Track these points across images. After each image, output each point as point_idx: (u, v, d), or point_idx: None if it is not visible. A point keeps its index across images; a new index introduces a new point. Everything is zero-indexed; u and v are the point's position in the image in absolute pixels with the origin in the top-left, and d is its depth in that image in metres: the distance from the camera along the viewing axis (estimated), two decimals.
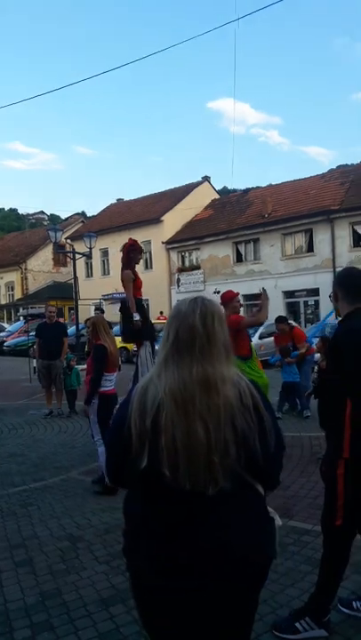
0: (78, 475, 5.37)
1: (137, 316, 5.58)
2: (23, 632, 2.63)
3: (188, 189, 31.46)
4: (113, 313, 27.42)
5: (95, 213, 40.30)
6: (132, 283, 5.71)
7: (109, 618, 2.72)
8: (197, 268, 27.69)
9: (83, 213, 49.31)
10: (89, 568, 3.30)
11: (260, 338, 15.00)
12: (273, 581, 2.92)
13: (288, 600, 2.76)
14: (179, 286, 28.11)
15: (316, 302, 22.90)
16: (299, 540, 3.50)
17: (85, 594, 2.98)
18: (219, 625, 1.44)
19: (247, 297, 24.86)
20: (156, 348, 4.60)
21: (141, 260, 31.52)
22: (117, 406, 1.52)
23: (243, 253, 26.33)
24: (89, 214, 48.41)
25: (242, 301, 20.82)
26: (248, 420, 1.39)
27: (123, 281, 5.73)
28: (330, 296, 2.80)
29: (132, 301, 5.66)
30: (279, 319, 8.80)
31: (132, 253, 5.84)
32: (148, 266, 30.06)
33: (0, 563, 3.43)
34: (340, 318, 2.64)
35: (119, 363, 5.61)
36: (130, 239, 6.02)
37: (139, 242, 6.18)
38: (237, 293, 5.91)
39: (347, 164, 33.18)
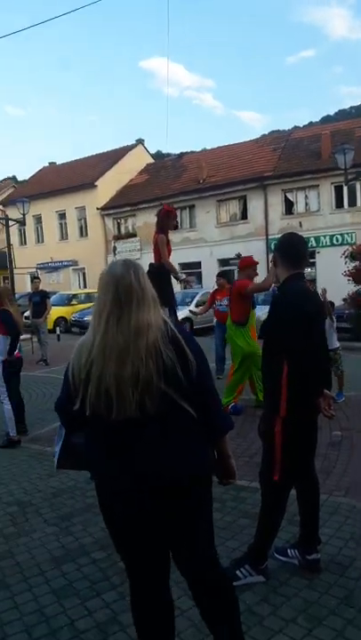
0: (23, 442, 5.41)
1: (183, 275, 5.86)
2: None
3: (122, 153, 30.63)
4: (48, 282, 26.75)
5: (27, 177, 38.46)
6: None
7: (62, 575, 2.86)
8: (134, 235, 27.35)
9: (14, 178, 46.86)
10: (39, 530, 3.42)
11: (197, 306, 15.27)
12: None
13: (229, 552, 2.95)
14: (115, 254, 27.73)
15: None
16: (237, 497, 3.72)
17: (37, 554, 3.11)
18: (173, 538, 1.80)
19: (183, 265, 25.05)
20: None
21: (76, 228, 30.60)
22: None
23: (178, 220, 26.27)
24: (20, 178, 46.17)
25: (180, 270, 20.96)
26: (170, 355, 1.66)
27: (157, 245, 5.79)
28: (271, 261, 2.94)
29: (171, 264, 5.82)
30: (219, 274, 9.29)
31: (167, 219, 5.97)
32: (83, 233, 29.38)
33: None
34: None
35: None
36: (165, 205, 6.27)
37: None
38: (257, 262, 6.08)
39: (279, 130, 33.55)
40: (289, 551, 2.86)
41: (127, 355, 1.61)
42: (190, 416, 1.74)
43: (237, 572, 2.66)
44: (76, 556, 3.06)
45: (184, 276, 5.96)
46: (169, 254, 6.02)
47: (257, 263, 6.24)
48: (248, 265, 6.15)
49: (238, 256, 6.37)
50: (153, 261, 5.82)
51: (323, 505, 3.44)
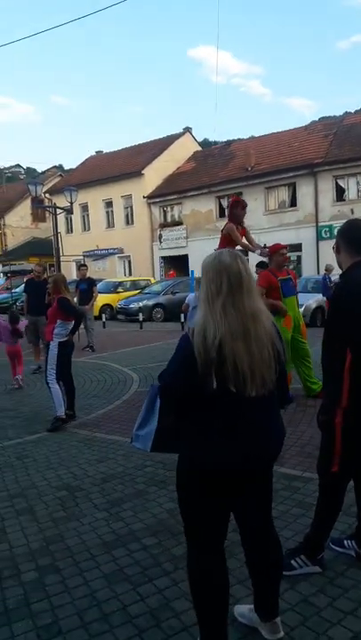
0: (71, 427, 5.47)
1: (258, 250, 6.49)
2: (30, 574, 2.74)
3: (169, 141, 30.57)
4: (94, 269, 27.12)
5: (73, 166, 39.06)
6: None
7: (112, 560, 2.84)
8: (180, 223, 27.30)
9: (60, 167, 47.75)
10: (88, 515, 3.41)
11: None
12: None
13: (283, 541, 2.84)
14: (161, 242, 27.82)
15: (299, 257, 22.95)
16: (289, 486, 3.63)
17: (87, 539, 3.09)
18: (258, 498, 2.04)
19: None
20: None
21: (122, 216, 30.82)
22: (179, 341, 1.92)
23: (225, 208, 26.02)
24: (66, 167, 46.94)
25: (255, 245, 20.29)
26: (280, 342, 1.90)
27: (229, 232, 6.41)
28: (333, 248, 2.79)
29: (245, 243, 6.52)
30: (258, 264, 9.13)
31: (235, 210, 6.57)
32: (129, 221, 29.57)
33: (2, 511, 3.53)
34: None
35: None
36: (233, 197, 7.18)
37: (240, 199, 7.08)
38: (284, 246, 6.23)
39: (329, 117, 32.52)
40: (346, 542, 2.76)
41: (250, 337, 1.78)
42: (275, 396, 1.94)
43: (292, 561, 2.59)
44: (126, 541, 3.03)
45: (259, 251, 6.48)
46: (243, 235, 6.52)
47: (285, 247, 6.19)
48: (276, 250, 6.07)
49: (264, 246, 6.47)
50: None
51: None
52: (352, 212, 20.92)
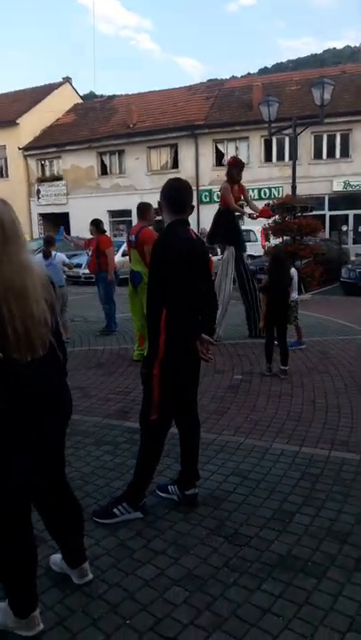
0: None
1: (246, 211, 7.15)
2: None
3: (47, 90, 28.57)
4: None
5: None
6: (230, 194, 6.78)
7: None
8: (59, 178, 26.06)
9: None
10: None
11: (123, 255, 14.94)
12: (100, 477, 3.18)
13: (112, 492, 2.97)
14: (39, 198, 26.43)
15: None
16: (131, 439, 3.69)
17: None
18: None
19: (113, 213, 24.42)
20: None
21: None
22: None
23: (108, 165, 25.37)
24: None
25: (108, 218, 20.40)
26: (51, 294, 1.77)
27: (223, 192, 6.83)
28: (157, 204, 2.90)
29: (235, 206, 6.91)
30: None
31: (233, 170, 6.92)
32: (2, 174, 27.56)
33: None
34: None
35: None
36: (231, 157, 7.47)
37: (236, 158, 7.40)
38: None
39: (217, 79, 32.73)
40: (169, 487, 2.93)
41: (27, 293, 1.63)
42: (58, 357, 1.83)
43: (115, 509, 2.70)
44: None
45: (248, 211, 7.12)
46: (238, 199, 6.98)
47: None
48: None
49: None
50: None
51: (211, 444, 3.60)
52: None
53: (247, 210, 7.21)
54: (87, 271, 7.86)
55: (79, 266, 13.59)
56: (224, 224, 7.00)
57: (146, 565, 2.35)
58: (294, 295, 5.91)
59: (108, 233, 6.83)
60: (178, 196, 2.69)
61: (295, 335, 6.32)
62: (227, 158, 22.36)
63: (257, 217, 7.13)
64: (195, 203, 21.57)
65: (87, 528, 2.60)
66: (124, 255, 14.52)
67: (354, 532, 2.54)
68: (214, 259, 8.28)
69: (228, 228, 7.01)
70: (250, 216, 7.06)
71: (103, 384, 5.16)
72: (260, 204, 8.37)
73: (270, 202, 12.32)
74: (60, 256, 7.16)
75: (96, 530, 2.62)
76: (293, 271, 6.30)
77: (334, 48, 76.82)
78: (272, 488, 2.99)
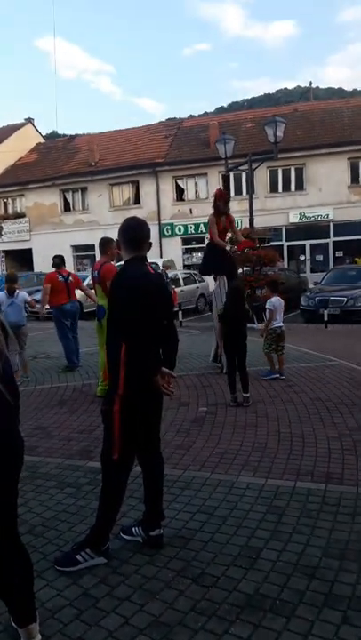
0: None
1: (223, 244, 7.11)
2: None
3: (9, 131, 28.89)
4: None
5: None
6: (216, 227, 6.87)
7: None
8: (22, 215, 26.07)
9: None
10: None
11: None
12: (62, 521, 3.05)
13: (75, 537, 2.85)
14: (1, 235, 26.20)
15: None
16: (94, 480, 3.55)
17: None
18: None
19: (77, 248, 24.46)
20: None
21: None
22: None
23: (70, 202, 25.52)
24: None
25: (71, 253, 20.52)
26: (1, 340, 1.75)
27: (209, 224, 6.99)
28: (116, 242, 2.93)
29: (218, 241, 6.96)
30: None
31: (218, 202, 6.88)
32: None
33: None
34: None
35: None
36: (217, 189, 7.41)
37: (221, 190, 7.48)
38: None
39: (175, 118, 33.70)
40: (134, 529, 2.83)
41: None
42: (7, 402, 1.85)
43: (77, 556, 2.58)
44: None
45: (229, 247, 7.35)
46: (221, 232, 6.98)
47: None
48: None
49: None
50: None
51: (177, 480, 3.53)
52: (191, 211, 22.05)
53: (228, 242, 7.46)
54: (48, 306, 7.65)
55: None
56: (215, 255, 7.07)
57: (110, 615, 2.24)
58: (275, 324, 6.19)
59: (69, 268, 6.84)
60: (134, 233, 2.71)
61: (278, 364, 6.45)
62: (186, 194, 22.96)
63: (240, 248, 7.47)
64: (157, 237, 22.16)
65: (49, 577, 2.51)
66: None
67: (321, 565, 2.50)
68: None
69: (219, 259, 7.05)
70: (231, 247, 7.30)
71: (65, 422, 5.02)
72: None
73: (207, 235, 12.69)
74: (22, 294, 7.04)
75: (59, 579, 2.50)
76: (276, 299, 6.46)
77: (286, 88, 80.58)
78: (239, 524, 2.94)
